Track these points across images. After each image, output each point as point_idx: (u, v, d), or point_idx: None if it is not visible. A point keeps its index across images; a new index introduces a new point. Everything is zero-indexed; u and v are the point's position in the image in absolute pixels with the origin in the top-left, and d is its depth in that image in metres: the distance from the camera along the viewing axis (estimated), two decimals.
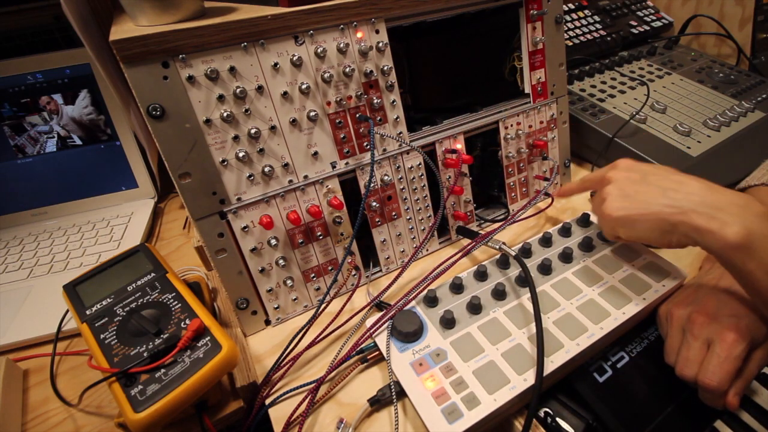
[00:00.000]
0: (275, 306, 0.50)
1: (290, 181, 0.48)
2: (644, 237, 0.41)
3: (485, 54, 0.68)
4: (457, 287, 0.48)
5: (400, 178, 0.54)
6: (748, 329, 0.38)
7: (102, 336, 0.39)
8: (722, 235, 0.35)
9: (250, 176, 0.45)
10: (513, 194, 0.64)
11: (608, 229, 0.45)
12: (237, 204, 0.45)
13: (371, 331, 0.45)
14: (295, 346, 0.46)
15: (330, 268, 0.52)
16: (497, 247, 0.51)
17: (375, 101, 0.50)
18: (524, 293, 0.47)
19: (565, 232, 0.55)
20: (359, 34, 0.48)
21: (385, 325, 0.45)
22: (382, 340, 0.44)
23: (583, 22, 0.92)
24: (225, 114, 0.42)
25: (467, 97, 0.72)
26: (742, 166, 0.62)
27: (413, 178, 0.55)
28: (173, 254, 0.68)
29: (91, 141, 0.74)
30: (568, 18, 0.91)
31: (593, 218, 0.57)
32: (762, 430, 0.42)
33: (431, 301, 0.47)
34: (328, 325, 0.47)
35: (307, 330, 0.46)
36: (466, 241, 0.59)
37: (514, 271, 0.50)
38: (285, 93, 0.45)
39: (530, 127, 0.63)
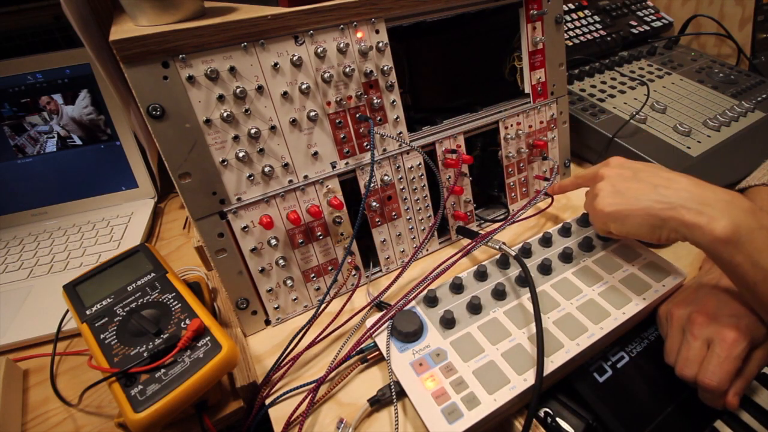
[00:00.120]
0: (275, 306, 0.50)
1: (290, 181, 0.48)
2: (635, 232, 0.42)
3: (485, 54, 0.68)
4: (457, 287, 0.48)
5: (400, 178, 0.54)
6: (748, 329, 0.39)
7: (102, 336, 0.39)
8: (710, 230, 0.36)
9: (250, 176, 0.45)
10: (513, 194, 0.64)
11: (600, 224, 0.46)
12: (237, 204, 0.45)
13: (371, 331, 0.45)
14: (295, 346, 0.46)
15: (330, 268, 0.52)
16: (497, 247, 0.51)
17: (375, 101, 0.50)
18: (524, 293, 0.47)
19: (565, 232, 0.55)
20: (359, 34, 0.48)
21: (385, 325, 0.45)
22: (382, 340, 0.44)
23: (583, 22, 0.92)
24: (225, 114, 0.42)
25: (467, 97, 0.72)
26: (742, 166, 0.62)
27: (413, 178, 0.55)
28: (173, 254, 0.68)
29: (91, 141, 0.74)
30: (568, 18, 0.91)
31: None
32: (762, 430, 0.42)
33: (431, 301, 0.47)
34: (328, 325, 0.47)
35: (307, 330, 0.46)
36: (466, 241, 0.59)
37: (514, 271, 0.50)
38: (285, 93, 0.45)
39: (530, 127, 0.63)
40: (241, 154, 0.44)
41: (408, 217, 0.56)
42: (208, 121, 0.42)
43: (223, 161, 0.43)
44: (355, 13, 0.46)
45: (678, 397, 0.43)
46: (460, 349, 0.42)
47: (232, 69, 0.42)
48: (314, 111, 0.47)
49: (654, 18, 1.01)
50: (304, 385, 0.42)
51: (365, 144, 0.51)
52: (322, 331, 0.47)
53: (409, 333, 0.43)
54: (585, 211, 0.57)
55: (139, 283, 0.44)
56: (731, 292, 0.42)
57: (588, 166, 0.74)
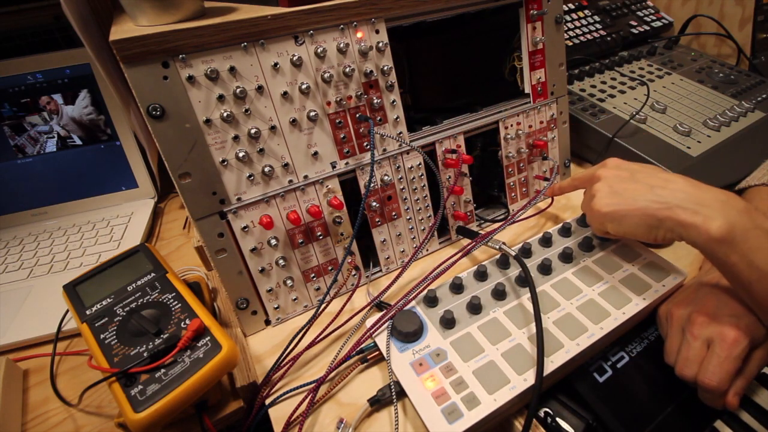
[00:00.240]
0: (275, 306, 0.50)
1: (290, 181, 0.48)
2: (632, 232, 0.43)
3: (485, 54, 0.68)
4: (457, 287, 0.48)
5: (400, 178, 0.54)
6: (748, 329, 0.39)
7: (102, 336, 0.39)
8: (705, 229, 0.37)
9: (250, 176, 0.45)
10: (513, 194, 0.64)
11: (597, 225, 0.47)
12: (237, 204, 0.45)
13: (371, 331, 0.45)
14: (295, 346, 0.46)
15: (330, 268, 0.52)
16: (497, 247, 0.51)
17: (375, 101, 0.50)
18: (524, 293, 0.47)
19: (565, 232, 0.55)
20: (359, 34, 0.48)
21: (385, 325, 0.45)
22: (382, 340, 0.44)
23: (583, 22, 0.92)
24: (225, 114, 0.42)
25: (467, 97, 0.72)
26: (742, 166, 0.62)
27: (413, 178, 0.55)
28: (173, 254, 0.68)
29: (91, 141, 0.74)
30: (568, 18, 0.91)
31: None
32: (762, 430, 0.42)
33: (431, 301, 0.47)
34: (328, 325, 0.47)
35: (307, 330, 0.46)
36: (466, 241, 0.59)
37: (514, 271, 0.50)
38: (285, 93, 0.45)
39: (530, 127, 0.63)
40: (241, 154, 0.44)
41: (408, 217, 0.56)
42: (208, 121, 0.42)
43: (223, 161, 0.43)
44: (355, 13, 0.46)
45: (678, 397, 0.43)
46: (460, 349, 0.42)
47: (232, 69, 0.42)
48: (314, 111, 0.47)
49: (654, 18, 1.01)
50: (304, 385, 0.42)
51: (365, 144, 0.51)
52: (322, 331, 0.47)
53: (409, 333, 0.43)
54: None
55: (139, 283, 0.44)
56: (731, 292, 0.42)
57: (588, 166, 0.74)
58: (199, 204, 0.43)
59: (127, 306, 0.42)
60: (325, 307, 0.49)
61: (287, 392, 0.42)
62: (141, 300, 0.42)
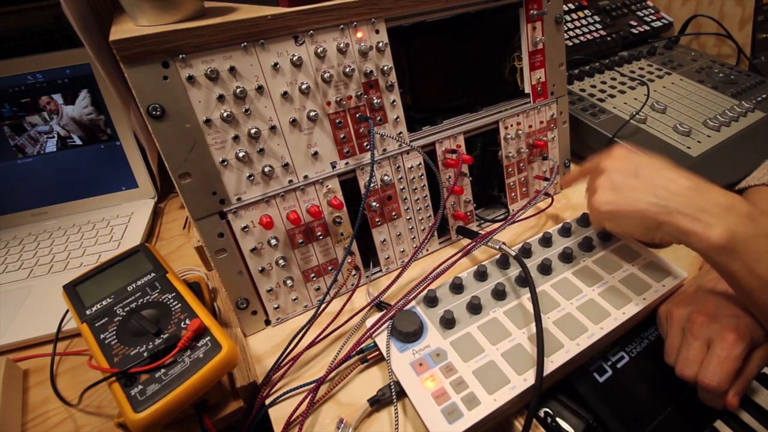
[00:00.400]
0: (275, 306, 0.50)
1: (290, 181, 0.48)
2: (630, 231, 0.43)
3: (485, 54, 0.68)
4: (457, 287, 0.48)
5: (400, 178, 0.54)
6: (748, 329, 0.39)
7: (102, 336, 0.39)
8: (705, 237, 0.36)
9: (250, 176, 0.45)
10: (513, 194, 0.64)
11: (595, 220, 0.47)
12: (237, 204, 0.45)
13: (371, 331, 0.45)
14: (295, 346, 0.46)
15: (330, 268, 0.52)
16: (497, 247, 0.51)
17: (375, 101, 0.50)
18: (524, 293, 0.47)
19: (565, 232, 0.55)
20: (359, 34, 0.48)
21: (385, 325, 0.45)
22: (382, 340, 0.44)
23: (583, 22, 0.92)
24: (225, 114, 0.42)
25: (467, 97, 0.72)
26: (742, 166, 0.62)
27: (413, 178, 0.55)
28: (173, 254, 0.68)
29: (91, 141, 0.74)
30: (568, 18, 0.91)
31: None
32: (762, 430, 0.42)
33: (431, 301, 0.47)
34: (328, 325, 0.47)
35: (307, 330, 0.46)
36: (466, 241, 0.59)
37: (514, 271, 0.50)
38: (285, 93, 0.45)
39: (530, 127, 0.63)
40: (241, 154, 0.44)
41: (408, 217, 0.56)
42: (208, 121, 0.42)
43: (223, 161, 0.43)
44: (355, 13, 0.46)
45: (678, 397, 0.43)
46: (460, 349, 0.42)
47: (232, 69, 0.42)
48: (314, 111, 0.47)
49: (654, 18, 1.01)
50: (304, 385, 0.42)
51: (365, 144, 0.51)
52: (322, 331, 0.47)
53: (409, 333, 0.43)
54: (585, 212, 0.57)
55: (139, 283, 0.44)
56: (731, 293, 0.42)
57: None
58: (199, 204, 0.43)
59: (127, 306, 0.42)
60: (325, 307, 0.49)
61: (287, 392, 0.42)
62: (141, 300, 0.42)
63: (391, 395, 0.40)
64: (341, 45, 0.46)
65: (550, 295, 0.47)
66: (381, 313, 0.46)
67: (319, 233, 0.50)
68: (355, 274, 0.53)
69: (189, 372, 0.36)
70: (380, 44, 0.49)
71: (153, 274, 0.45)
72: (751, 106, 0.76)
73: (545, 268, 0.49)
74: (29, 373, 0.50)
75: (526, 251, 0.52)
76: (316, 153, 0.48)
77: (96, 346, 0.38)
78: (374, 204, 0.53)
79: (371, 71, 0.49)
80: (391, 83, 0.51)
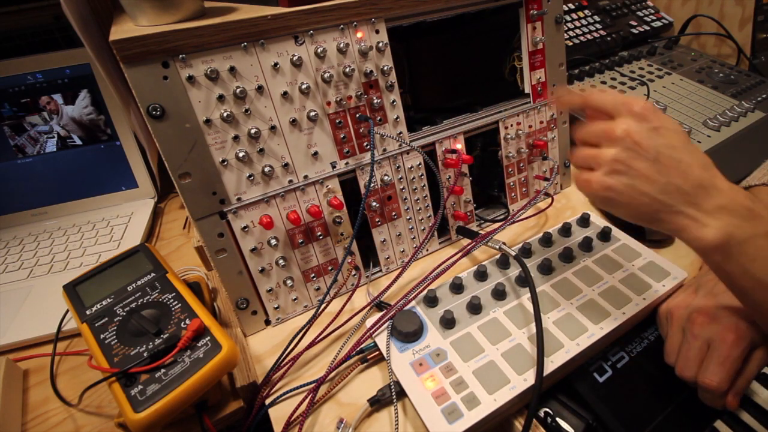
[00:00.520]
0: (275, 306, 0.50)
1: (290, 181, 0.48)
2: (620, 215, 0.39)
3: (485, 54, 0.68)
4: (457, 287, 0.48)
5: (400, 178, 0.54)
6: (748, 329, 0.39)
7: (102, 336, 0.39)
8: (700, 237, 0.34)
9: (250, 176, 0.45)
10: (513, 194, 0.64)
11: (588, 196, 0.42)
12: (237, 204, 0.45)
13: (371, 331, 0.45)
14: (295, 346, 0.46)
15: (330, 268, 0.52)
16: (497, 247, 0.51)
17: (375, 101, 0.50)
18: (524, 293, 0.47)
19: (565, 232, 0.55)
20: (359, 34, 0.48)
21: (385, 325, 0.45)
22: (382, 340, 0.44)
23: (583, 22, 0.92)
24: (225, 114, 0.42)
25: (467, 97, 0.72)
26: (742, 166, 0.62)
27: (413, 178, 0.55)
28: (173, 254, 0.68)
29: (91, 141, 0.74)
30: (568, 18, 0.91)
31: (593, 218, 0.57)
32: (762, 430, 0.42)
33: (431, 301, 0.47)
34: (328, 325, 0.47)
35: (307, 330, 0.46)
36: (466, 241, 0.59)
37: (514, 271, 0.50)
38: (285, 93, 0.45)
39: (530, 127, 0.63)
40: (241, 154, 0.44)
41: (408, 217, 0.56)
42: (208, 121, 0.42)
43: (223, 161, 0.43)
44: (355, 13, 0.46)
45: (678, 397, 0.43)
46: (460, 349, 0.42)
47: (232, 69, 0.42)
48: (314, 111, 0.47)
49: (654, 18, 1.01)
50: (304, 385, 0.42)
51: (365, 144, 0.51)
52: (322, 331, 0.47)
53: (409, 333, 0.43)
54: (585, 212, 0.56)
55: (139, 283, 0.44)
56: (731, 292, 0.42)
57: None
58: (199, 204, 0.43)
59: (127, 306, 0.42)
60: (325, 307, 0.49)
61: (287, 392, 0.42)
62: (141, 300, 0.42)
63: (391, 395, 0.40)
64: (341, 45, 0.46)
65: (550, 295, 0.47)
66: (381, 313, 0.46)
67: (319, 233, 0.50)
68: (355, 274, 0.53)
69: (189, 372, 0.36)
70: (380, 44, 0.49)
71: (153, 274, 0.45)
72: (751, 106, 0.76)
73: (545, 268, 0.49)
74: (29, 373, 0.50)
75: (526, 251, 0.52)
76: (316, 153, 0.48)
77: (96, 346, 0.38)
78: (374, 204, 0.53)
79: (371, 71, 0.49)
80: (391, 83, 0.51)
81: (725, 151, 0.67)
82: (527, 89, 0.62)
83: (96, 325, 0.40)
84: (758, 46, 0.94)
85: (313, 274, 0.51)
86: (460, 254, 0.50)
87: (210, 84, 0.41)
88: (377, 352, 0.44)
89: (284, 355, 0.45)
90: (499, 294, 0.47)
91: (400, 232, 0.56)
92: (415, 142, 0.54)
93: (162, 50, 0.39)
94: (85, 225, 0.72)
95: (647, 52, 0.91)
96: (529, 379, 0.39)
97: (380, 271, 0.56)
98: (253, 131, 0.44)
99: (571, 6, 0.94)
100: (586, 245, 0.52)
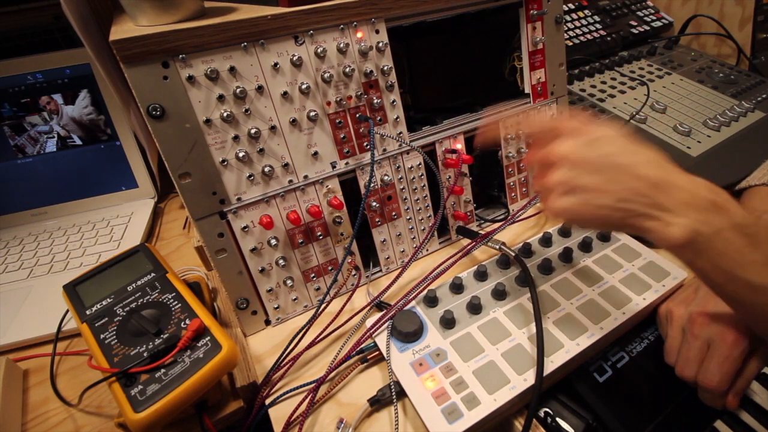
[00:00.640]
0: (275, 306, 0.50)
1: (290, 181, 0.48)
2: (594, 229, 0.40)
3: (485, 54, 0.68)
4: (457, 287, 0.48)
5: (400, 178, 0.54)
6: (747, 329, 0.39)
7: (102, 336, 0.39)
8: (666, 236, 0.34)
9: (250, 176, 0.45)
10: (513, 194, 0.64)
11: (552, 219, 0.42)
12: (237, 204, 0.45)
13: (371, 331, 0.45)
14: (295, 346, 0.46)
15: (330, 268, 0.52)
16: (497, 247, 0.51)
17: (375, 101, 0.50)
18: (524, 293, 0.47)
19: (565, 232, 0.55)
20: (359, 34, 0.48)
21: (385, 325, 0.45)
22: (382, 340, 0.44)
23: (583, 22, 0.92)
24: (225, 114, 0.42)
25: (467, 97, 0.72)
26: (742, 166, 0.62)
27: (413, 178, 0.55)
28: (173, 254, 0.68)
29: (91, 141, 0.74)
30: (568, 18, 0.91)
31: None
32: (762, 430, 0.42)
33: (431, 301, 0.47)
34: (328, 325, 0.47)
35: (307, 330, 0.46)
36: (466, 241, 0.59)
37: (514, 271, 0.50)
38: (285, 93, 0.45)
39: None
40: (241, 154, 0.44)
41: (408, 217, 0.56)
42: (208, 121, 0.42)
43: (223, 161, 0.43)
44: (355, 13, 0.46)
45: (678, 397, 0.43)
46: (460, 349, 0.42)
47: (232, 69, 0.42)
48: (314, 111, 0.47)
49: (654, 18, 1.01)
50: (304, 385, 0.42)
51: (365, 144, 0.51)
52: (322, 331, 0.47)
53: (409, 333, 0.43)
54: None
55: (139, 283, 0.44)
56: None
57: None
58: (199, 204, 0.43)
59: (127, 306, 0.42)
60: (325, 307, 0.49)
61: (287, 392, 0.42)
62: (141, 300, 0.42)
63: (391, 395, 0.40)
64: (341, 45, 0.46)
65: (550, 295, 0.47)
66: (381, 313, 0.46)
67: (319, 233, 0.50)
68: (355, 274, 0.53)
69: (189, 372, 0.36)
70: (380, 44, 0.49)
71: (153, 274, 0.45)
72: (751, 106, 0.76)
73: (545, 268, 0.49)
74: (29, 373, 0.50)
75: (526, 251, 0.52)
76: (316, 153, 0.48)
77: (96, 346, 0.38)
78: (374, 204, 0.53)
79: (371, 71, 0.49)
80: (391, 83, 0.51)
81: (725, 151, 0.67)
82: (527, 89, 0.62)
83: (96, 325, 0.40)
84: (758, 46, 0.94)
85: (313, 274, 0.51)
86: (460, 254, 0.50)
87: (210, 84, 0.41)
88: (377, 352, 0.44)
89: (284, 355, 0.45)
90: (499, 294, 0.47)
91: (400, 232, 0.56)
92: (415, 142, 0.54)
93: (162, 50, 0.39)
94: (85, 225, 0.73)
95: (647, 52, 0.91)
96: (529, 379, 0.39)
97: (380, 271, 0.56)
98: (253, 131, 0.44)
99: (571, 6, 0.94)
100: (586, 245, 0.52)
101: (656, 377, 0.44)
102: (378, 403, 0.40)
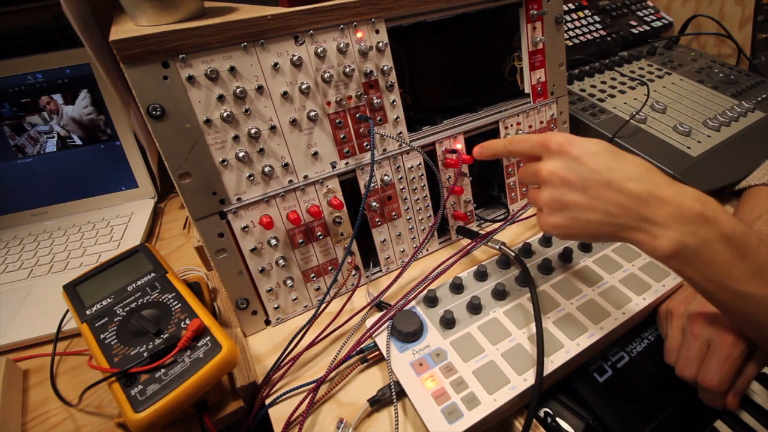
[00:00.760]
0: (275, 306, 0.50)
1: (290, 181, 0.48)
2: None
3: (485, 54, 0.68)
4: (457, 287, 0.48)
5: (400, 178, 0.54)
6: None
7: (102, 336, 0.39)
8: (653, 248, 0.34)
9: (250, 176, 0.45)
10: (513, 194, 0.64)
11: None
12: (237, 204, 0.45)
13: (371, 331, 0.45)
14: (295, 346, 0.46)
15: (330, 268, 0.52)
16: (497, 247, 0.51)
17: (375, 101, 0.50)
18: (524, 293, 0.47)
19: None
20: (359, 34, 0.48)
21: (385, 325, 0.45)
22: (382, 340, 0.44)
23: (583, 22, 0.92)
24: (225, 114, 0.42)
25: (467, 97, 0.72)
26: (742, 166, 0.62)
27: (413, 178, 0.55)
28: (173, 254, 0.68)
29: (91, 141, 0.74)
30: (568, 18, 0.91)
31: None
32: (762, 430, 0.42)
33: (431, 301, 0.47)
34: (328, 325, 0.47)
35: (307, 330, 0.46)
36: (466, 241, 0.59)
37: (514, 271, 0.50)
38: (285, 93, 0.45)
39: (530, 127, 0.63)
40: (241, 154, 0.44)
41: (408, 217, 0.56)
42: (208, 121, 0.42)
43: (223, 161, 0.43)
44: (355, 13, 0.46)
45: (678, 397, 0.43)
46: (460, 349, 0.42)
47: (232, 69, 0.42)
48: (314, 111, 0.47)
49: (654, 18, 1.01)
50: (304, 385, 0.42)
51: (365, 144, 0.51)
52: (322, 331, 0.47)
53: (409, 333, 0.43)
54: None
55: (139, 283, 0.44)
56: None
57: None
58: (199, 204, 0.43)
59: (127, 306, 0.42)
60: (325, 307, 0.49)
61: (287, 392, 0.42)
62: (141, 300, 0.42)
63: (391, 395, 0.40)
64: (341, 45, 0.46)
65: (550, 295, 0.47)
66: (381, 313, 0.46)
67: (319, 233, 0.50)
68: (355, 274, 0.53)
69: (189, 372, 0.36)
70: (380, 44, 0.49)
71: (153, 274, 0.45)
72: (751, 106, 0.76)
73: (545, 268, 0.49)
74: (29, 373, 0.50)
75: (526, 251, 0.52)
76: (316, 153, 0.48)
77: (96, 346, 0.38)
78: (374, 204, 0.53)
79: (371, 71, 0.49)
80: (391, 83, 0.51)
81: (725, 151, 0.67)
82: (527, 89, 0.62)
83: (96, 325, 0.40)
84: (758, 46, 0.94)
85: (313, 274, 0.51)
86: (460, 254, 0.50)
87: (210, 84, 0.41)
88: (377, 352, 0.44)
89: (284, 355, 0.45)
90: (499, 294, 0.47)
91: (400, 232, 0.56)
92: (415, 142, 0.54)
93: (162, 50, 0.39)
94: (85, 225, 0.73)
95: (647, 52, 0.91)
96: (529, 379, 0.39)
97: (380, 271, 0.56)
98: (253, 131, 0.44)
99: (571, 6, 0.94)
100: (586, 245, 0.52)
101: (656, 377, 0.44)
102: (378, 403, 0.40)
